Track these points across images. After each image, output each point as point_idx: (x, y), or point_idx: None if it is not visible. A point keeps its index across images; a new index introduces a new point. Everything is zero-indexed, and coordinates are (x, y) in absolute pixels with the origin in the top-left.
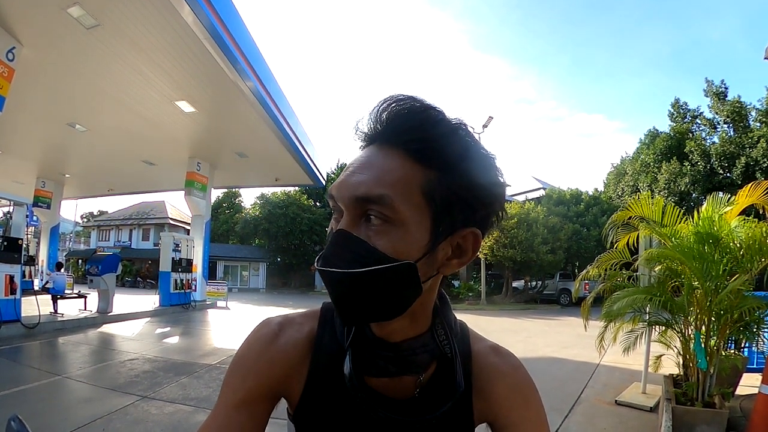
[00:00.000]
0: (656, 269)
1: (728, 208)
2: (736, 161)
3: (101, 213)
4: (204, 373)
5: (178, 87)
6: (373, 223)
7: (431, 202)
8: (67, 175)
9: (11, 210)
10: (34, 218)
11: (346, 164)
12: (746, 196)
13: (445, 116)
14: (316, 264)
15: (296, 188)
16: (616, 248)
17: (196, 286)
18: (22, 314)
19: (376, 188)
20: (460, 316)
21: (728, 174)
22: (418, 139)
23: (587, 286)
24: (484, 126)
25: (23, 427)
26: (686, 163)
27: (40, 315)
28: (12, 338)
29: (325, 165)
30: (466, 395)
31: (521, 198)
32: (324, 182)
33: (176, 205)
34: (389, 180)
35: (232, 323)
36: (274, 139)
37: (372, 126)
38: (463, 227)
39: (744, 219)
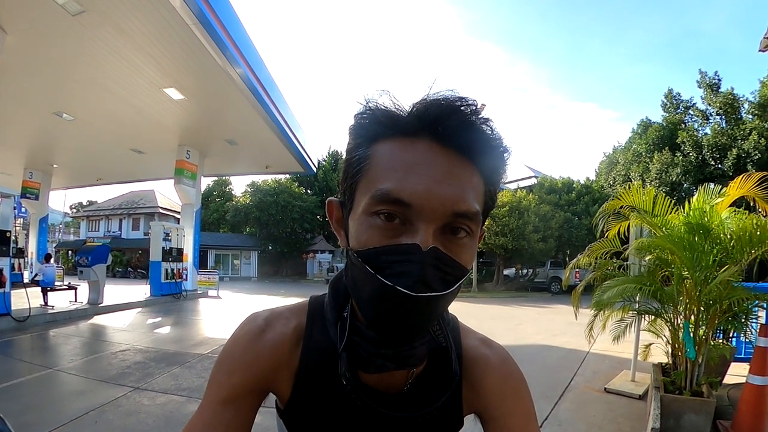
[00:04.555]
0: (646, 259)
1: (719, 200)
2: (728, 153)
3: (90, 203)
4: (196, 363)
5: (166, 74)
6: (459, 237)
7: (483, 211)
8: (55, 166)
9: None
10: (23, 210)
11: (339, 152)
12: (737, 188)
13: (496, 129)
14: (400, 288)
15: (287, 176)
16: (607, 237)
17: (187, 275)
18: (12, 307)
19: (474, 204)
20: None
21: (719, 165)
22: (491, 160)
23: (578, 275)
24: None
25: (5, 426)
26: (678, 154)
27: (30, 308)
28: (2, 332)
29: (316, 152)
30: (456, 386)
31: (513, 186)
32: (315, 169)
33: (166, 194)
34: (476, 196)
35: (224, 312)
36: (264, 126)
37: (432, 126)
38: (482, 226)
39: (735, 210)
